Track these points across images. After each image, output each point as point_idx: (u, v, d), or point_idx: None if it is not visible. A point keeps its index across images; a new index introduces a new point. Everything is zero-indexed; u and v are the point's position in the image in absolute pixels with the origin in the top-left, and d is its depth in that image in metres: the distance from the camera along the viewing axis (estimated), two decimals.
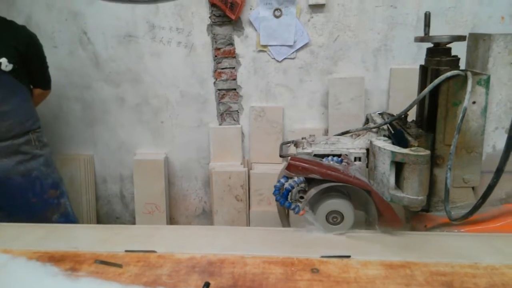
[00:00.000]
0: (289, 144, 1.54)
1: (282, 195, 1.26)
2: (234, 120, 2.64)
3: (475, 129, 1.34)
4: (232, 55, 2.52)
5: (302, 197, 1.29)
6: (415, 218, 1.46)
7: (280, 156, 1.48)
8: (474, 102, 1.31)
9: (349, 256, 1.11)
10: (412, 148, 1.22)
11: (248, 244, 1.21)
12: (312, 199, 1.23)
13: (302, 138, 1.48)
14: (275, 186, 1.27)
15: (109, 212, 2.96)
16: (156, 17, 2.51)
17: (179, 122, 2.70)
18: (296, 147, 1.44)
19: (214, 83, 2.60)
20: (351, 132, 1.55)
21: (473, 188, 1.41)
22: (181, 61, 2.57)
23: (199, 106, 2.65)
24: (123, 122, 2.75)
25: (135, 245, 1.18)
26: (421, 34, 1.43)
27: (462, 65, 1.46)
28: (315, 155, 1.38)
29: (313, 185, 1.24)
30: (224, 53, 2.52)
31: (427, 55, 1.42)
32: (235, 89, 2.59)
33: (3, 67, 1.85)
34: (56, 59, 2.52)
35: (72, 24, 2.57)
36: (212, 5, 2.42)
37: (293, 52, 2.49)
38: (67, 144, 2.82)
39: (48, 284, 1.02)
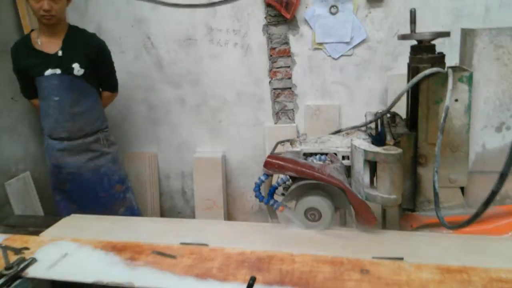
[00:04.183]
0: (283, 143, 1.54)
1: (268, 192, 1.30)
2: (290, 118, 2.65)
3: (459, 127, 1.28)
4: (287, 54, 2.52)
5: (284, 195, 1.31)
6: (402, 218, 1.42)
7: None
8: (456, 100, 1.26)
9: (402, 258, 1.07)
10: (385, 147, 1.19)
11: (298, 242, 1.21)
12: (292, 196, 1.26)
13: (298, 137, 1.50)
14: (255, 183, 1.30)
15: (172, 207, 3.11)
16: (214, 20, 2.59)
17: (235, 121, 2.76)
18: (291, 146, 1.46)
19: (270, 82, 2.62)
20: (342, 131, 1.54)
21: (462, 188, 1.35)
22: (237, 62, 2.63)
23: (255, 105, 2.69)
24: (184, 122, 2.87)
25: (190, 238, 1.24)
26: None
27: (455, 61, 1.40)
28: (304, 154, 1.40)
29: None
30: (279, 53, 2.53)
31: (410, 53, 1.37)
32: (290, 88, 2.60)
33: (75, 72, 2.03)
34: (123, 64, 2.69)
35: (137, 30, 2.73)
36: (268, 5, 2.45)
37: (350, 49, 2.44)
38: (133, 143, 3.00)
39: (109, 271, 1.10)
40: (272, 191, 1.31)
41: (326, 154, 1.38)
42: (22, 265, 1.12)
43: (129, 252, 1.19)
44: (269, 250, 1.15)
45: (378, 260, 1.07)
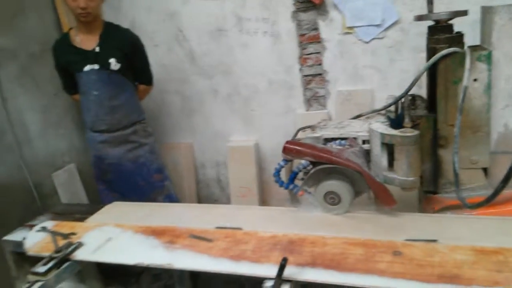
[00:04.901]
0: (305, 129, 1.55)
1: (289, 177, 1.33)
2: (321, 105, 2.64)
3: (479, 107, 1.24)
4: (317, 40, 2.51)
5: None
6: (425, 200, 1.41)
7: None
8: (475, 80, 1.22)
9: (435, 240, 1.07)
10: (401, 129, 1.20)
11: (330, 225, 1.23)
12: (311, 180, 1.28)
13: (319, 123, 1.50)
14: (275, 169, 1.33)
15: (208, 195, 3.19)
16: (242, 10, 2.60)
17: (267, 110, 2.79)
18: (312, 131, 1.46)
19: (300, 69, 2.62)
20: (363, 115, 1.53)
21: (485, 169, 1.31)
22: (267, 50, 2.64)
23: (286, 93, 2.70)
24: (217, 112, 2.92)
25: (225, 222, 1.28)
26: None
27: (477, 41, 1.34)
28: (325, 139, 1.41)
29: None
30: (309, 39, 2.52)
31: (427, 33, 1.34)
32: (321, 74, 2.58)
33: (112, 67, 2.12)
34: (157, 57, 2.77)
35: (169, 23, 2.79)
36: None
37: (381, 31, 2.39)
38: (169, 133, 3.09)
39: (150, 253, 1.16)
40: (293, 176, 1.34)
41: (346, 138, 1.39)
42: (70, 249, 1.20)
43: (168, 236, 1.25)
44: (301, 233, 1.17)
45: (411, 242, 1.08)
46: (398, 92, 2.50)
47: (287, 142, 1.30)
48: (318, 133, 1.43)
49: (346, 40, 2.47)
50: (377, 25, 2.38)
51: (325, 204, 1.28)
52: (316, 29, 2.49)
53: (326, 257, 1.04)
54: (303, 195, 1.30)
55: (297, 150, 1.27)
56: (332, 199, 1.27)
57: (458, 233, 1.11)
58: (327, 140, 1.41)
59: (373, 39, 2.42)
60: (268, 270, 1.01)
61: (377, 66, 2.47)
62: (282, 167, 1.34)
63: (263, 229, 1.22)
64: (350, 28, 2.43)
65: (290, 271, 0.98)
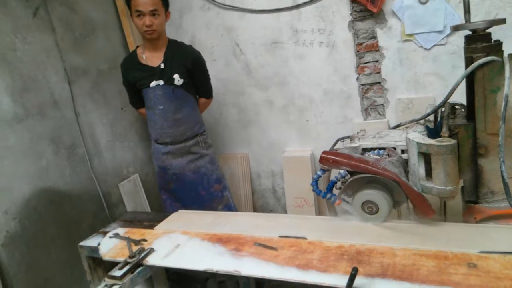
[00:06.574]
0: (344, 140, 1.54)
1: (327, 186, 1.34)
2: (380, 114, 2.59)
3: None
4: (375, 48, 2.47)
5: None
6: (466, 210, 1.36)
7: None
8: None
9: None
10: (438, 139, 1.18)
11: (397, 236, 1.20)
12: (349, 190, 1.28)
13: (357, 133, 1.51)
14: (313, 178, 1.34)
15: (264, 205, 3.22)
16: (299, 22, 2.63)
17: (323, 120, 2.77)
18: (351, 142, 1.47)
19: (357, 78, 2.59)
20: (402, 125, 1.52)
21: None
22: (323, 60, 2.64)
23: (342, 103, 2.68)
24: (273, 123, 2.96)
25: (287, 232, 1.30)
26: None
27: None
28: (363, 149, 1.41)
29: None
30: (366, 48, 2.49)
31: (464, 42, 1.29)
32: (379, 83, 2.53)
33: (176, 82, 2.22)
34: (215, 71, 2.86)
35: (227, 38, 2.89)
36: (353, 1, 2.43)
37: (443, 38, 2.31)
38: (226, 145, 3.17)
39: (217, 260, 1.20)
40: (331, 185, 1.36)
41: (385, 148, 1.39)
42: (142, 254, 1.27)
43: (233, 243, 1.28)
44: (368, 244, 1.16)
45: (486, 254, 1.03)
46: (462, 99, 2.40)
47: (324, 152, 1.32)
48: (356, 143, 1.44)
49: (406, 48, 2.42)
50: (439, 32, 2.30)
51: (363, 213, 1.29)
52: (374, 37, 2.46)
53: (396, 268, 1.02)
54: (340, 204, 1.32)
55: (334, 160, 1.29)
56: (370, 208, 1.28)
57: None
58: (366, 150, 1.42)
59: (434, 45, 2.35)
60: (337, 280, 1.01)
61: (439, 73, 2.39)
62: (319, 176, 1.36)
63: (327, 239, 1.22)
64: (410, 35, 2.38)
65: (360, 282, 0.97)
